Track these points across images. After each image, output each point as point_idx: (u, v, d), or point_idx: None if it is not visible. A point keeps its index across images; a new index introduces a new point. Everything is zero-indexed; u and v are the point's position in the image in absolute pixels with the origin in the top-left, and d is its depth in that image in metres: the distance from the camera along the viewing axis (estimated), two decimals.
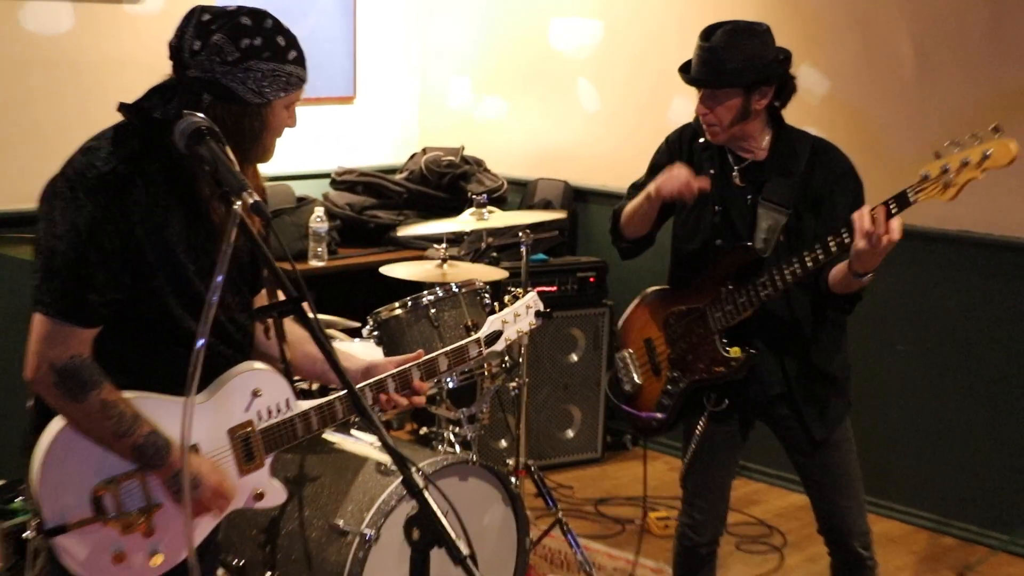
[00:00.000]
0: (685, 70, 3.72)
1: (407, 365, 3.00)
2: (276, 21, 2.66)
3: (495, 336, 3.32)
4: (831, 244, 3.48)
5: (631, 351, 3.97)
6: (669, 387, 3.85)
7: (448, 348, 3.14)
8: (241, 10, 2.63)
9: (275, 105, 2.65)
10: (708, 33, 3.66)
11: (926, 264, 5.37)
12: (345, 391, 2.78)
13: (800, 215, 3.66)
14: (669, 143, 3.93)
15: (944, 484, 5.42)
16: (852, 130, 5.45)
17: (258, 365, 2.78)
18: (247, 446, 2.75)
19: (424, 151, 6.93)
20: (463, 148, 6.87)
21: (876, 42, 5.45)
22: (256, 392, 2.75)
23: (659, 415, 3.87)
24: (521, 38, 6.87)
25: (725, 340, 3.73)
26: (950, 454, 5.38)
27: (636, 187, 3.98)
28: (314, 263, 6.04)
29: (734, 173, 3.74)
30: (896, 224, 3.33)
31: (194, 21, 2.62)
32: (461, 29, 7.16)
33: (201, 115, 2.49)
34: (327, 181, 6.81)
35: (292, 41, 2.67)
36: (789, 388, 3.74)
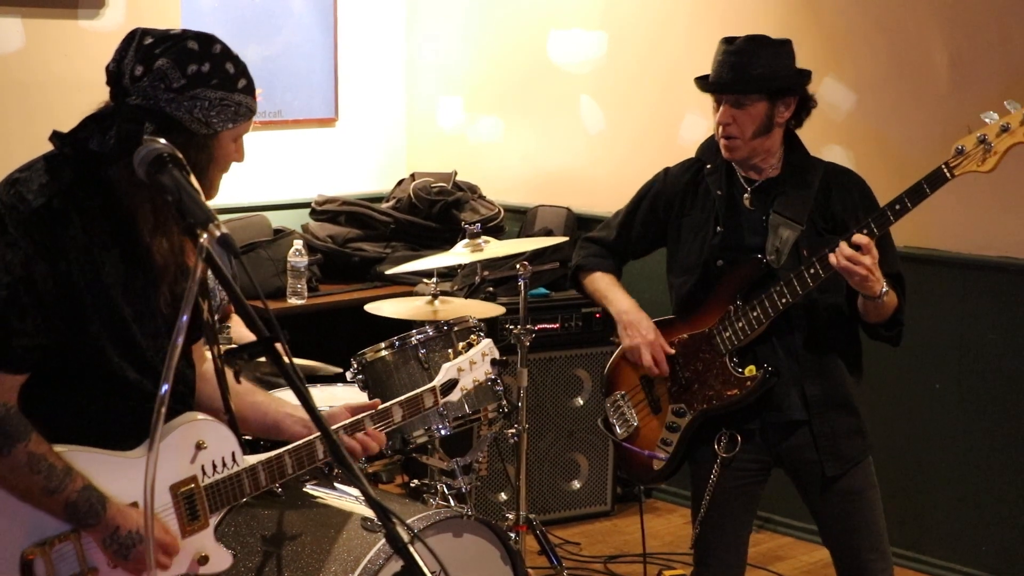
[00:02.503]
0: (703, 81, 3.82)
1: (361, 416, 3.07)
2: (225, 47, 2.71)
3: (451, 385, 3.40)
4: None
5: (622, 392, 4.01)
6: (673, 421, 3.88)
7: (403, 398, 3.22)
8: (187, 34, 2.67)
9: (222, 137, 2.69)
10: (729, 41, 3.78)
11: (965, 294, 5.34)
12: (309, 439, 2.90)
13: (819, 232, 3.74)
14: (668, 175, 4.02)
15: (989, 537, 5.37)
16: (879, 148, 5.47)
17: (200, 416, 2.79)
18: (191, 504, 2.74)
19: (412, 177, 6.93)
20: (455, 173, 6.88)
21: (906, 51, 5.44)
22: (200, 444, 2.75)
23: (661, 454, 3.90)
24: (517, 52, 6.87)
25: (736, 360, 3.78)
26: (995, 503, 5.34)
27: (624, 226, 4.07)
28: (293, 301, 6.04)
29: (746, 195, 3.82)
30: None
31: (135, 44, 2.65)
32: (452, 43, 7.16)
33: (163, 140, 2.50)
34: (307, 211, 6.81)
35: (242, 69, 2.72)
36: (809, 414, 3.77)
